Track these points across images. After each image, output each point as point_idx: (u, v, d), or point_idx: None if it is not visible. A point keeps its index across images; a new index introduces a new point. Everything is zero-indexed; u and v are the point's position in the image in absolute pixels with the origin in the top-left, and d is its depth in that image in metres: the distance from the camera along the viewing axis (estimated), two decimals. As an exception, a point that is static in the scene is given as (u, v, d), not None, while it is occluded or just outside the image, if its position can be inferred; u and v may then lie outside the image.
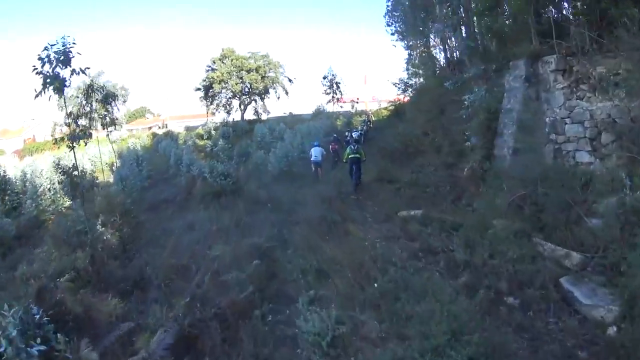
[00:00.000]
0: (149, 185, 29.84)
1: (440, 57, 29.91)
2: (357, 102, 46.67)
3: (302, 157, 28.18)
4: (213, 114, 65.18)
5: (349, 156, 20.46)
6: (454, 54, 28.18)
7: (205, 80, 63.99)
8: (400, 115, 36.99)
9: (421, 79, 32.63)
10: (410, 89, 33.83)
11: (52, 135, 73.24)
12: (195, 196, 22.37)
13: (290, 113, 55.16)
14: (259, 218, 16.78)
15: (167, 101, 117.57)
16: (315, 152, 23.59)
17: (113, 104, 71.59)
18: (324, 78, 44.33)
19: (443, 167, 18.63)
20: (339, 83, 44.68)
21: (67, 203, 27.81)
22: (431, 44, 31.60)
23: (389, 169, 20.95)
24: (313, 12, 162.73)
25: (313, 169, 23.72)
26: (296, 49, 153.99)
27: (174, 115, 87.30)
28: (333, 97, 44.90)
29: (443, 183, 17.45)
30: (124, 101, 75.59)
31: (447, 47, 28.42)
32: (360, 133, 31.26)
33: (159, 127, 70.99)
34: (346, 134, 30.98)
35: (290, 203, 18.47)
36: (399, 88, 35.42)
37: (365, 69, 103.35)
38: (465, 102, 19.62)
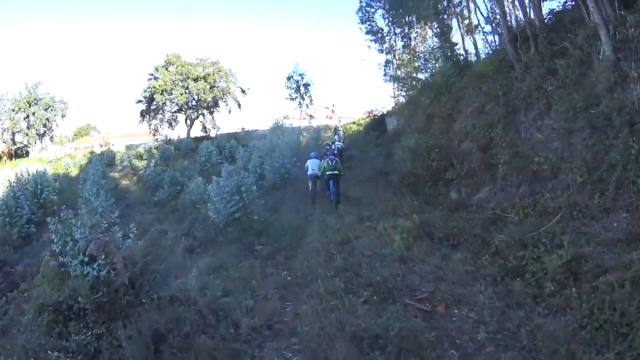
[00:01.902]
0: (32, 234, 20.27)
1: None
2: (331, 114, 36.04)
3: (267, 190, 20.31)
4: (156, 130, 55.97)
5: (326, 172, 17.14)
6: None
7: (146, 91, 54.86)
8: (379, 128, 31.83)
9: (423, 76, 23.44)
10: (415, 86, 23.94)
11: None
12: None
13: (243, 129, 45.30)
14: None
15: (111, 118, 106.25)
16: (313, 165, 18.45)
17: (51, 118, 65.23)
18: (289, 79, 32.38)
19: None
20: (308, 85, 32.75)
21: None
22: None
23: (425, 213, 12.51)
24: (274, 13, 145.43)
25: (310, 186, 18.51)
26: (254, 57, 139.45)
27: (120, 133, 76.47)
28: (301, 103, 32.93)
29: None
30: (63, 115, 67.53)
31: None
32: (340, 146, 25.51)
33: (101, 146, 61.26)
34: (326, 146, 24.58)
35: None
36: (403, 85, 25.96)
37: (331, 79, 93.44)
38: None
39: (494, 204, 11.43)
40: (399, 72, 31.78)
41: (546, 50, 12.82)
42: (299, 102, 29.25)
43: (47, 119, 64.83)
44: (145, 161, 40.04)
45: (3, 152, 63.31)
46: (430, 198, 14.22)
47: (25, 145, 64.86)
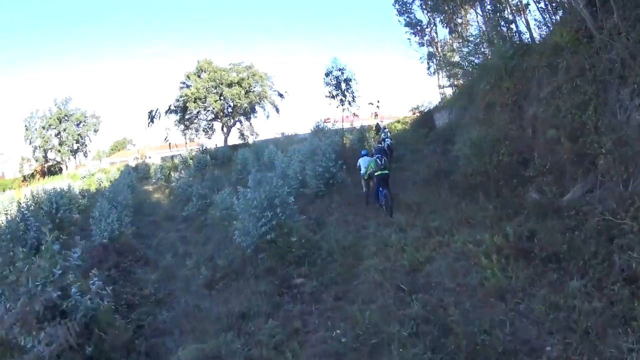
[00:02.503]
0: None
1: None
2: (377, 110, 33.19)
3: (309, 199, 18.12)
4: (191, 140, 54.02)
5: (376, 173, 14.96)
6: None
7: (178, 100, 52.77)
8: (427, 124, 29.31)
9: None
10: (470, 73, 21.16)
11: (19, 172, 64.99)
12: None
13: (283, 134, 43.06)
14: None
15: (146, 130, 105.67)
16: (365, 164, 16.70)
17: (83, 133, 65.10)
18: (327, 75, 27.72)
19: None
20: (350, 80, 27.65)
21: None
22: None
23: (505, 221, 10.31)
24: (307, 11, 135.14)
25: (364, 186, 16.96)
26: (289, 59, 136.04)
27: (155, 145, 75.68)
28: (342, 100, 27.72)
29: None
30: (95, 130, 67.21)
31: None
32: (390, 143, 23.57)
33: (136, 159, 60.37)
34: (377, 145, 22.47)
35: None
36: (455, 73, 23.21)
37: (370, 79, 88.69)
38: None
39: (601, 207, 8.79)
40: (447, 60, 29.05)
41: (631, 13, 10.30)
42: (341, 99, 26.21)
43: (80, 135, 64.73)
44: (174, 172, 38.02)
45: (36, 170, 63.14)
46: (505, 201, 11.73)
47: (59, 162, 64.87)
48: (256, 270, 10.67)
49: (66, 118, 62.88)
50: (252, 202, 11.54)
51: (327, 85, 26.95)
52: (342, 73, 26.67)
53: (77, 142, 64.75)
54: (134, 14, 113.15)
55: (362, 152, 17.89)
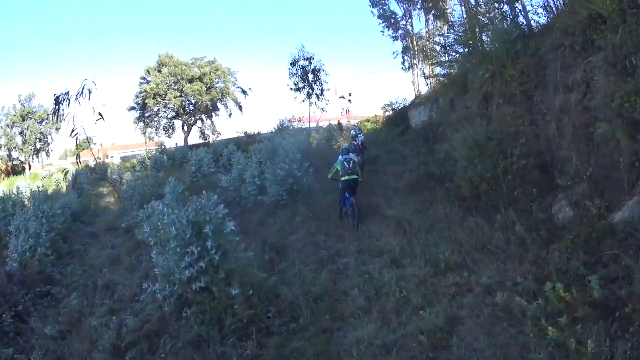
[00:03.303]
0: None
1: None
2: (347, 110, 28.61)
3: (268, 211, 14.86)
4: (151, 139, 51.06)
5: (343, 178, 12.50)
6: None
7: (138, 97, 49.71)
8: (402, 123, 26.19)
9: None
10: (462, 62, 17.72)
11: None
12: None
13: (246, 133, 39.39)
14: None
15: (108, 128, 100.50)
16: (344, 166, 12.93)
17: (46, 132, 60.49)
18: (293, 64, 23.84)
19: None
20: (319, 71, 23.87)
21: None
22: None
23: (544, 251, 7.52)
24: (277, 10, 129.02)
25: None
26: (255, 55, 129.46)
27: (121, 144, 73.14)
28: (310, 94, 24.00)
29: None
30: (57, 129, 61.19)
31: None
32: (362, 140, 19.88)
33: (98, 159, 56.22)
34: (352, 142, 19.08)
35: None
36: (451, 57, 19.62)
37: (337, 77, 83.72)
38: None
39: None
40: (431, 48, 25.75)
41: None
42: (308, 92, 22.42)
43: (42, 133, 60.03)
44: (139, 173, 34.31)
45: (0, 170, 58.99)
46: (528, 218, 8.80)
47: (22, 162, 60.67)
48: (179, 338, 6.83)
49: (29, 116, 58.81)
50: (170, 230, 7.44)
51: (292, 76, 23.12)
52: (310, 63, 22.79)
53: (40, 140, 60.31)
54: (99, 7, 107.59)
55: (341, 150, 14.48)
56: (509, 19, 14.76)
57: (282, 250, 10.11)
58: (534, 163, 9.91)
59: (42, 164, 61.86)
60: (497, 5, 15.60)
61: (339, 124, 29.54)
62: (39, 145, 60.52)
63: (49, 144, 62.39)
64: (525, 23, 14.34)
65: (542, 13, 14.32)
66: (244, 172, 16.93)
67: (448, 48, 18.24)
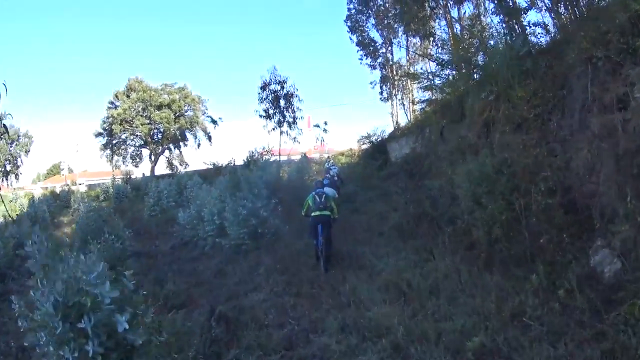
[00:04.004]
0: None
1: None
2: (322, 140, 26.53)
3: (226, 258, 12.23)
4: (117, 167, 48.34)
5: (313, 213, 10.82)
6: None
7: (105, 122, 46.96)
8: (380, 157, 23.98)
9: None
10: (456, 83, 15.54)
11: (-58, 191, 56.75)
12: None
13: (214, 164, 36.81)
14: None
15: (77, 154, 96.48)
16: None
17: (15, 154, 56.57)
18: (263, 89, 21.44)
19: None
20: (292, 96, 21.73)
21: None
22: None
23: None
24: (250, 32, 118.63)
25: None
26: (228, 84, 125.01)
27: (91, 171, 70.65)
28: (281, 122, 21.80)
29: None
30: (27, 151, 57.66)
31: None
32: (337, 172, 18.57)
33: (65, 186, 53.20)
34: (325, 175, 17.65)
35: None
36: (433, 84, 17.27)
37: (310, 109, 78.97)
38: None
39: None
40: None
41: None
42: (279, 120, 19.76)
43: (12, 155, 56.12)
44: (102, 203, 31.69)
45: None
46: (563, 273, 6.63)
47: None
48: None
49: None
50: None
51: (262, 101, 20.52)
52: (282, 87, 20.27)
53: (9, 162, 56.09)
54: (69, 28, 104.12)
55: (315, 183, 12.89)
56: (513, 34, 12.72)
57: (237, 321, 7.32)
58: (559, 201, 7.56)
59: (11, 187, 57.18)
60: (499, 21, 13.67)
61: (330, 160, 26.95)
62: (8, 168, 56.41)
63: (18, 167, 58.32)
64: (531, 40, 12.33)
65: (540, 33, 12.37)
66: (203, 208, 14.36)
67: (441, 68, 16.01)
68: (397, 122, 28.02)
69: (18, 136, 56.16)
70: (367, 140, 28.44)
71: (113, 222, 14.14)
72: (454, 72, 15.17)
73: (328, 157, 27.17)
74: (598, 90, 7.87)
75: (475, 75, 13.37)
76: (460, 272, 7.43)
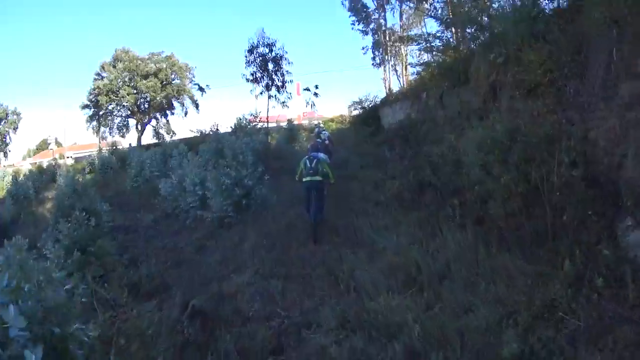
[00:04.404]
0: None
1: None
2: (313, 103, 24.18)
3: (207, 232, 11.16)
4: (104, 138, 46.96)
5: (304, 179, 10.02)
6: None
7: (91, 94, 45.08)
8: (373, 123, 23.18)
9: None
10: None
11: None
12: None
13: (201, 132, 35.31)
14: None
15: (65, 128, 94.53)
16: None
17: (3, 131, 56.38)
18: (250, 52, 19.14)
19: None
20: (280, 59, 19.28)
21: None
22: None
23: None
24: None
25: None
26: (217, 52, 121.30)
27: (80, 144, 67.97)
28: (269, 86, 19.23)
29: None
30: (15, 128, 57.54)
31: None
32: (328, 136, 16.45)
33: (54, 160, 52.07)
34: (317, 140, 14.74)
35: None
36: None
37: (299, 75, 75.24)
38: None
39: None
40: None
41: None
42: (267, 84, 18.13)
43: (0, 133, 55.97)
44: (88, 175, 32.22)
45: None
46: (592, 256, 5.50)
47: None
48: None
49: (-11, 111, 54.62)
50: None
51: (249, 65, 18.89)
52: (271, 50, 18.64)
53: None
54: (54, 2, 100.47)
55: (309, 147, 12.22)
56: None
57: (215, 314, 6.05)
58: (581, 175, 6.50)
59: (4, 165, 57.03)
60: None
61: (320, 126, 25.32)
62: (-2, 145, 57.44)
63: (7, 144, 58.14)
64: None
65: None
66: (185, 178, 13.19)
67: (444, 27, 14.75)
68: (389, 89, 26.78)
69: (7, 114, 55.71)
70: (359, 106, 27.69)
71: (89, 196, 12.98)
72: (455, 34, 14.01)
73: (318, 122, 25.88)
74: (627, 55, 6.74)
75: (481, 36, 12.23)
76: (474, 252, 6.33)
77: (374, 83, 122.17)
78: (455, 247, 6.66)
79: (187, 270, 8.57)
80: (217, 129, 21.90)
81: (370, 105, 26.23)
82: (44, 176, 35.00)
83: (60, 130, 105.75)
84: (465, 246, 6.64)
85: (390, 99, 22.86)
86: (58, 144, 74.93)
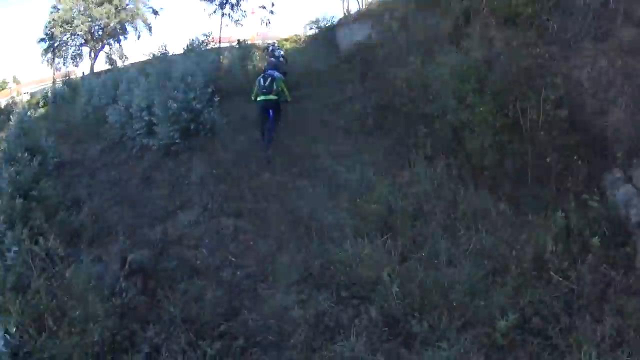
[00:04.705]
0: None
1: None
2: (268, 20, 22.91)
3: (152, 162, 9.98)
4: (58, 69, 41.59)
5: (258, 98, 9.50)
6: None
7: (47, 27, 41.39)
8: (329, 46, 21.53)
9: None
10: None
11: None
12: None
13: (154, 55, 33.61)
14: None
15: (23, 65, 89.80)
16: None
17: None
18: None
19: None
20: None
21: None
22: None
23: None
24: None
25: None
26: None
27: (36, 79, 64.78)
28: (223, 4, 18.64)
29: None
30: None
31: None
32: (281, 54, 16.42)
33: (12, 98, 49.44)
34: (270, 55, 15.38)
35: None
36: None
37: None
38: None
39: None
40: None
41: None
42: (221, 1, 16.82)
43: None
44: (42, 109, 27.76)
45: None
46: (577, 207, 5.24)
47: None
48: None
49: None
50: None
51: None
52: None
53: None
54: None
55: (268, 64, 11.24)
56: None
57: (157, 269, 5.24)
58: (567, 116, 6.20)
59: None
60: None
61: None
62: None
63: None
64: None
65: None
66: (130, 104, 12.10)
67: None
68: (347, 10, 25.57)
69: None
70: (315, 26, 26.47)
71: (34, 133, 11.75)
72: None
73: (273, 42, 24.59)
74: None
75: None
76: (449, 189, 5.66)
77: (331, 5, 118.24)
78: (428, 184, 5.98)
79: (130, 208, 7.67)
80: (166, 50, 20.44)
81: (326, 25, 25.06)
82: (1, 116, 32.52)
83: (18, 67, 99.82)
84: (438, 182, 5.97)
85: (349, 19, 21.60)
86: (17, 81, 71.07)
